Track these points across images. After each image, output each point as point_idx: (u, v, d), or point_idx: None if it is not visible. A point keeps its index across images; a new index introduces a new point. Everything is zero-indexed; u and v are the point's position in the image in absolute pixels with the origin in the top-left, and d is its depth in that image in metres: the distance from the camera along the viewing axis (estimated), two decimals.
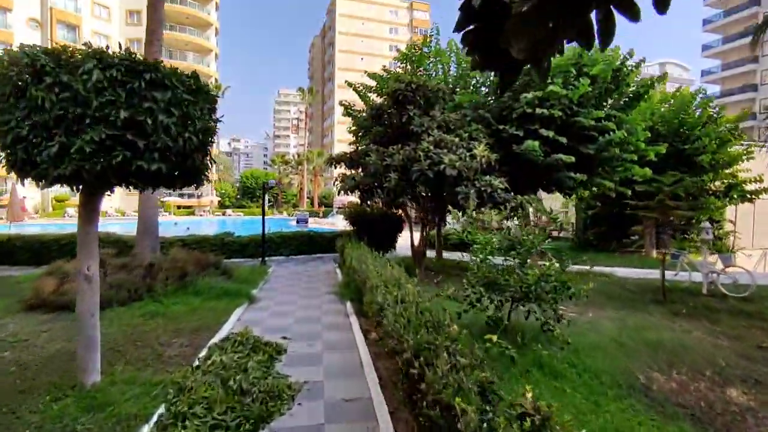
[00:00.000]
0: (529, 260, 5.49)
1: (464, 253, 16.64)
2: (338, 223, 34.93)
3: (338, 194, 10.62)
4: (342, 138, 67.54)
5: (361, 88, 13.79)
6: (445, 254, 14.98)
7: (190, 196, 49.74)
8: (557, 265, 5.29)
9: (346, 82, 14.39)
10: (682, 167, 14.09)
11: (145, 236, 9.01)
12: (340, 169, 11.83)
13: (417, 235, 11.45)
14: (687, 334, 6.25)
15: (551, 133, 10.27)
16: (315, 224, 31.69)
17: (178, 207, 47.25)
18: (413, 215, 12.60)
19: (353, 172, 10.33)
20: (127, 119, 3.37)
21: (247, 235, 14.14)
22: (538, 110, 10.37)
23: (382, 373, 4.61)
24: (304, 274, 11.24)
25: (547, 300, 5.21)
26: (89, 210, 3.83)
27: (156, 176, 3.65)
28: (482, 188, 8.98)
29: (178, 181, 4.08)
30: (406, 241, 14.06)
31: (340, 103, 13.70)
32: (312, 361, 5.01)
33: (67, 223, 35.08)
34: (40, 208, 39.58)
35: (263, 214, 12.62)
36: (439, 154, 8.80)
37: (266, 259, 13.25)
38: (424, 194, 9.93)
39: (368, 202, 10.14)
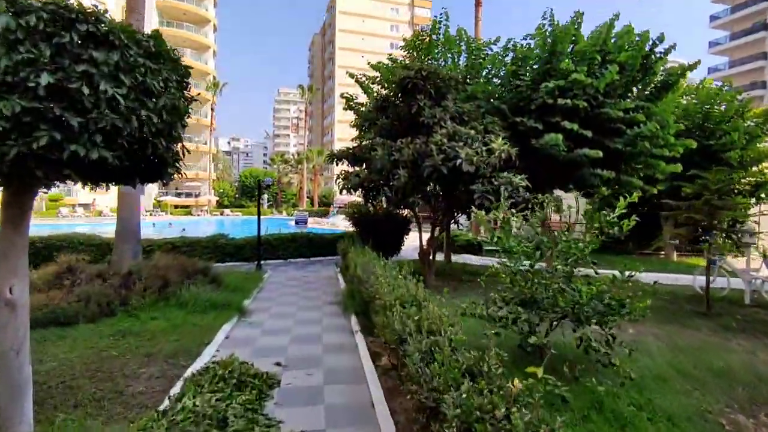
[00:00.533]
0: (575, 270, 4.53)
1: (476, 257, 15.65)
2: (339, 224, 33.98)
3: (340, 193, 9.68)
4: (342, 136, 66.56)
5: (364, 79, 12.85)
6: (453, 257, 14.03)
7: (188, 195, 48.84)
8: (616, 275, 4.33)
9: (347, 73, 13.44)
10: (707, 164, 13.15)
11: (125, 240, 8.06)
12: (342, 166, 10.90)
13: (425, 236, 10.52)
14: (753, 357, 5.31)
15: (575, 126, 9.32)
16: (315, 224, 30.75)
17: (175, 207, 46.29)
18: (420, 215, 11.68)
19: (357, 169, 9.36)
20: (52, 86, 2.42)
21: (243, 237, 13.19)
22: (560, 101, 9.43)
23: (398, 418, 3.67)
24: (303, 281, 10.29)
25: (603, 321, 4.26)
26: (14, 212, 2.88)
27: (100, 168, 2.70)
28: (501, 186, 8.02)
29: (135, 176, 3.14)
30: (412, 242, 13.13)
31: (342, 96, 12.75)
32: (311, 398, 4.06)
33: (62, 224, 34.17)
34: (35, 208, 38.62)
35: (258, 215, 11.68)
36: (454, 147, 7.85)
37: (262, 263, 12.30)
38: (435, 192, 8.99)
39: (373, 202, 9.18)
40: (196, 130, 49.87)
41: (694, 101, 13.63)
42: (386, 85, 11.97)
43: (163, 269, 7.37)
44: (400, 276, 5.50)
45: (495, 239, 5.09)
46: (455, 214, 9.44)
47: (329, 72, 75.99)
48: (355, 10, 71.44)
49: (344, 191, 9.11)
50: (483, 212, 5.30)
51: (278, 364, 4.84)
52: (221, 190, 55.65)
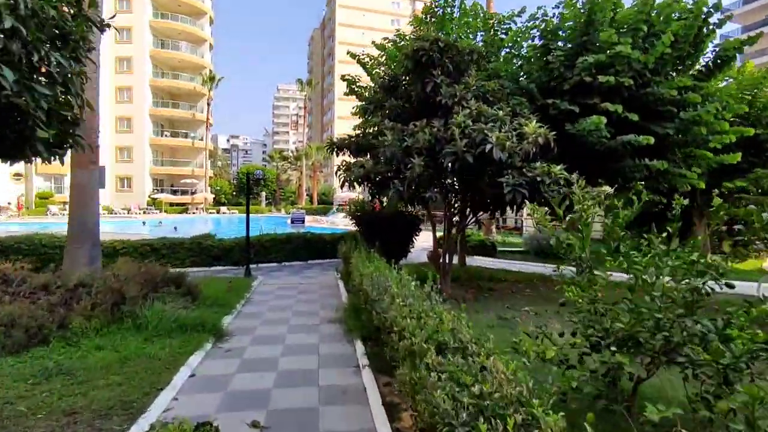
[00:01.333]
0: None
1: (489, 258, 14.20)
2: (339, 222, 32.53)
3: (341, 187, 8.23)
4: (342, 133, 64.61)
5: (367, 59, 11.38)
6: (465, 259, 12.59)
7: (184, 192, 47.34)
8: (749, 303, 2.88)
9: (348, 53, 11.96)
10: (750, 155, 11.74)
11: (78, 241, 6.62)
12: (343, 157, 9.44)
13: (429, 237, 9.09)
14: None
15: (618, 108, 7.85)
16: (314, 223, 29.31)
17: (171, 204, 44.81)
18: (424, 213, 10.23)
19: (360, 159, 7.89)
20: None
21: (232, 238, 11.75)
22: (601, 78, 7.96)
23: None
24: (298, 289, 8.84)
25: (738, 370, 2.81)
26: None
27: None
28: (537, 178, 6.59)
29: None
30: (420, 243, 11.69)
31: (342, 78, 11.29)
32: None
33: (51, 222, 32.71)
34: (24, 205, 37.08)
35: (247, 212, 10.22)
36: (481, 130, 6.39)
37: (253, 267, 10.87)
38: (454, 186, 7.54)
39: (381, 198, 7.74)
40: (192, 125, 48.40)
41: (736, 85, 12.15)
42: (393, 66, 10.51)
43: (120, 280, 5.91)
44: (421, 291, 4.08)
45: (564, 246, 3.63)
46: (476, 211, 7.98)
47: (329, 67, 74.41)
48: (355, 4, 69.84)
49: (346, 186, 7.65)
50: (541, 208, 3.85)
51: (255, 425, 3.41)
52: (218, 188, 54.14)
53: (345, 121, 53.56)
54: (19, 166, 38.63)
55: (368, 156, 8.50)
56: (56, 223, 32.30)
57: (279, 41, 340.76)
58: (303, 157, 54.93)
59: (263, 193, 54.03)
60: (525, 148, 6.63)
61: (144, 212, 40.51)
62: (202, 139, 48.42)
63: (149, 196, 43.92)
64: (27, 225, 29.44)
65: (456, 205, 8.38)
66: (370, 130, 9.48)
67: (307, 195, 56.84)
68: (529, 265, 13.09)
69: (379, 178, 7.45)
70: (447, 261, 8.63)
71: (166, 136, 46.60)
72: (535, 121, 7.06)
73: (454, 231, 8.46)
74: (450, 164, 6.45)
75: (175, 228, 25.37)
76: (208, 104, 48.55)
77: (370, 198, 8.11)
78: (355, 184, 7.54)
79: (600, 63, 8.16)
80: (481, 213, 8.10)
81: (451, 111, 7.28)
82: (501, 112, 7.05)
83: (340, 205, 47.42)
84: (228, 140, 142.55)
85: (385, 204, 9.24)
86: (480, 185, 7.17)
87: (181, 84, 46.53)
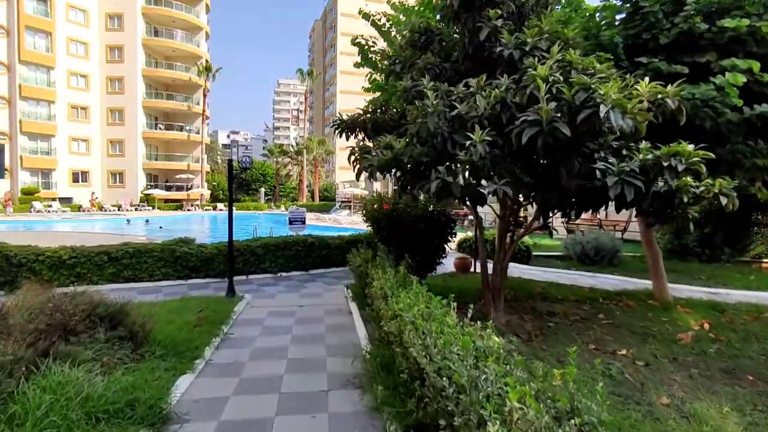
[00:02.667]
0: None
1: (523, 265, 11.87)
2: (342, 220, 30.26)
3: (357, 178, 5.88)
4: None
5: (381, 17, 9.04)
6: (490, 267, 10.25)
7: (179, 188, 45.08)
8: None
9: (360, 11, 9.59)
10: None
11: None
12: (351, 144, 7.09)
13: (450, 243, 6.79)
14: None
15: (755, 66, 5.51)
16: (316, 221, 27.04)
17: (165, 201, 42.52)
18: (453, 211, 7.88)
19: (387, 138, 5.50)
20: None
21: (215, 244, 9.42)
22: (727, 22, 5.62)
23: None
24: (296, 318, 6.53)
25: None
26: None
27: None
28: (662, 163, 4.27)
29: None
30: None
31: (353, 42, 8.95)
32: None
33: (33, 220, 30.42)
34: (12, 201, 34.74)
35: (230, 209, 7.85)
36: (586, 85, 4.06)
37: (242, 279, 8.60)
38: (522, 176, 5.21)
39: (417, 193, 5.40)
40: (188, 118, 46.06)
41: None
42: (426, 13, 8.12)
43: (7, 324, 3.62)
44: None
45: None
46: (548, 212, 5.61)
47: (330, 58, 71.88)
48: None
49: (367, 177, 5.30)
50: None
51: None
52: (215, 183, 51.82)
53: (347, 114, 50.73)
54: (6, 160, 36.40)
55: (394, 136, 6.15)
56: (39, 221, 30.13)
57: (281, 36, 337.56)
58: (304, 151, 52.53)
59: (262, 189, 51.75)
60: (637, 119, 4.31)
61: (136, 209, 38.26)
62: (198, 133, 46.08)
63: (142, 192, 41.66)
64: (12, 224, 27.22)
65: (514, 203, 6.06)
66: (393, 107, 7.15)
67: (308, 191, 54.51)
68: (577, 275, 10.80)
69: (411, 165, 5.12)
70: (500, 276, 6.36)
71: (160, 129, 44.28)
72: (647, 79, 4.74)
73: (514, 236, 6.15)
74: (527, 141, 4.13)
75: (161, 227, 23.10)
76: (204, 95, 46.15)
77: (399, 191, 5.75)
78: (377, 175, 5.21)
79: (719, 2, 5.82)
80: (555, 213, 5.77)
81: (517, 67, 4.96)
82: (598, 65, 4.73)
83: (342, 201, 45.11)
84: (228, 136, 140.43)
85: (420, 201, 6.95)
86: (560, 174, 4.83)
87: (175, 74, 44.12)
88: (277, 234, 10.79)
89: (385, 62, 8.21)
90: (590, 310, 7.38)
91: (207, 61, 46.56)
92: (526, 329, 6.24)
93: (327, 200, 50.63)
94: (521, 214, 10.05)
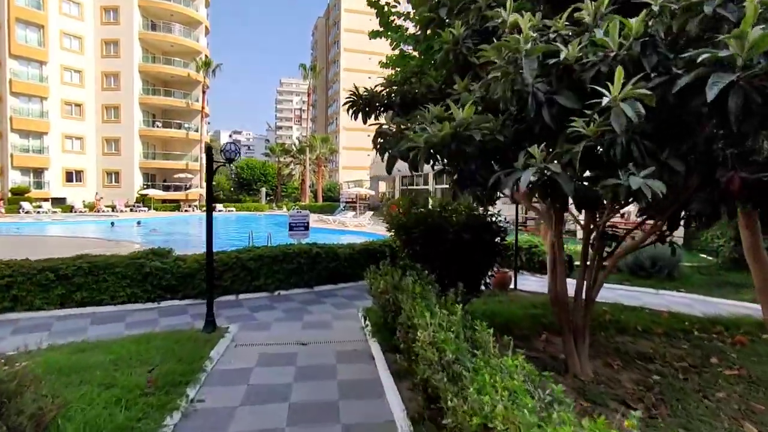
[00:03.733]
0: None
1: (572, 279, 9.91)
2: (348, 223, 28.40)
3: (388, 171, 3.96)
4: (348, 126, 60.37)
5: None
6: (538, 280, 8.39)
7: (177, 188, 43.37)
8: None
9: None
10: None
11: None
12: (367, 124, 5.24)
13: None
14: None
15: None
16: (320, 224, 25.25)
17: (162, 201, 40.80)
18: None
19: (436, 108, 3.60)
20: None
21: (196, 255, 7.56)
22: None
23: None
24: (296, 367, 4.66)
25: None
26: None
27: None
28: None
29: None
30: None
31: (369, 2, 7.08)
32: None
33: (24, 222, 28.74)
34: (1, 203, 33.09)
35: (209, 212, 6.00)
36: None
37: (230, 299, 6.76)
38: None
39: (482, 192, 3.53)
40: (186, 116, 44.36)
41: None
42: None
43: None
44: None
45: None
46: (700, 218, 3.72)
47: (334, 55, 70.11)
48: None
49: (367, 174, 3.45)
50: None
51: None
52: (215, 183, 50.10)
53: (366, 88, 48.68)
54: None
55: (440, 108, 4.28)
56: (28, 223, 28.45)
57: (283, 35, 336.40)
58: (306, 149, 50.71)
59: (263, 190, 50.01)
60: None
61: (131, 210, 36.55)
62: (197, 131, 44.38)
63: (138, 192, 39.98)
64: (5, 225, 25.59)
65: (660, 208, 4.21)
66: (430, 73, 5.27)
67: (311, 191, 52.72)
68: (638, 292, 8.94)
69: (488, 145, 3.23)
70: (585, 310, 4.52)
71: (157, 126, 42.60)
72: None
73: (605, 255, 4.29)
74: (716, 99, 2.27)
75: (153, 230, 21.33)
76: (204, 92, 44.44)
77: (452, 194, 3.83)
78: (424, 164, 3.34)
79: None
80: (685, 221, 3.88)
81: None
82: None
83: (347, 202, 43.23)
84: (230, 135, 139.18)
85: (461, 204, 5.11)
86: (718, 160, 2.96)
87: (174, 70, 42.44)
88: (277, 239, 8.95)
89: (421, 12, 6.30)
90: (691, 349, 5.50)
91: (206, 56, 44.88)
92: (625, 387, 4.37)
93: (331, 201, 48.81)
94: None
